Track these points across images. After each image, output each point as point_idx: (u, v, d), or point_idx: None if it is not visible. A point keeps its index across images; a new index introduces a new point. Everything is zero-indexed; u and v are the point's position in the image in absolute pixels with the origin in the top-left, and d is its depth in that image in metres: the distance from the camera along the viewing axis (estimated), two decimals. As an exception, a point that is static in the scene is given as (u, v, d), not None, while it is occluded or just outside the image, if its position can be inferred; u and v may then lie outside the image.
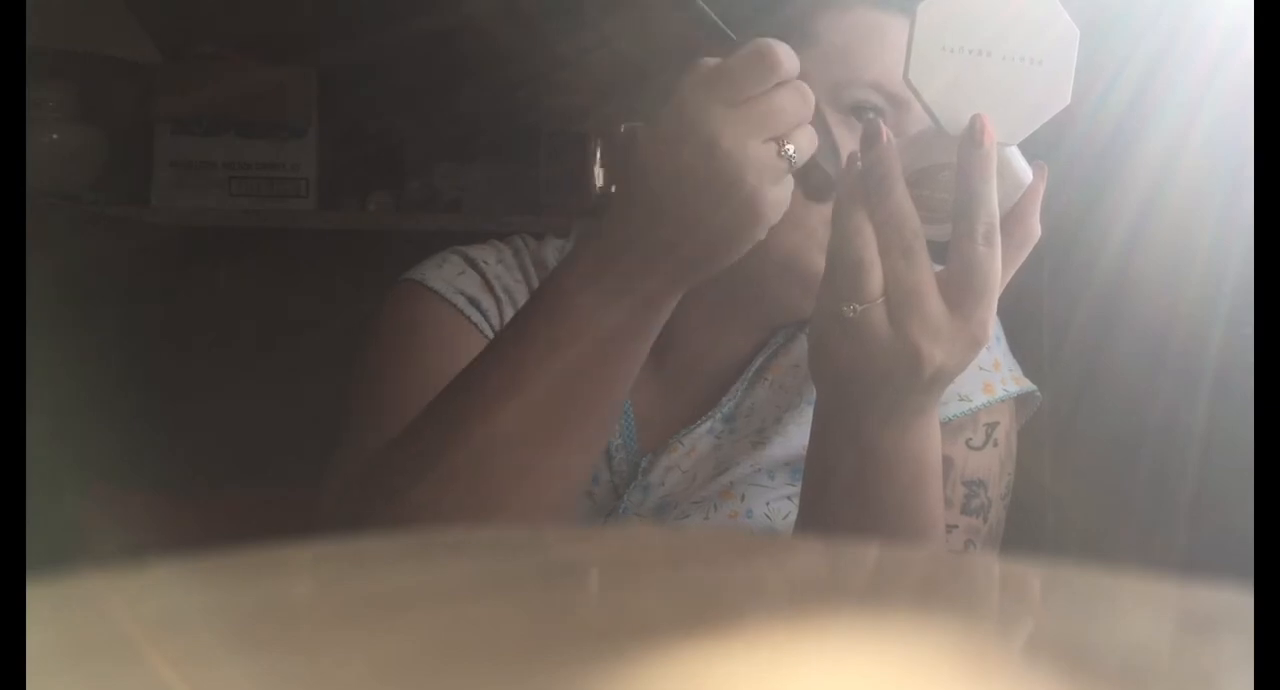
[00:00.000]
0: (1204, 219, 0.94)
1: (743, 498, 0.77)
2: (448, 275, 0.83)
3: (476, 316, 0.81)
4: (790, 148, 0.58)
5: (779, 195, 0.58)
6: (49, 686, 0.21)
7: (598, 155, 1.73)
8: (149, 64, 1.74)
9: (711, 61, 0.58)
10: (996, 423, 0.82)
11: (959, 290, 0.59)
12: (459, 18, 1.42)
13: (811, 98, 0.59)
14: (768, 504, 0.77)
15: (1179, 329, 0.97)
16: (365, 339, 0.82)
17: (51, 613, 0.25)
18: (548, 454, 0.64)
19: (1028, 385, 0.84)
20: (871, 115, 0.72)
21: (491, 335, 0.80)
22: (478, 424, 0.63)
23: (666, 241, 0.60)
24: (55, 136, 1.63)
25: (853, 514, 0.64)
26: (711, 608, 0.29)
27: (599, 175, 1.72)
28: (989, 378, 0.82)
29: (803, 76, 0.73)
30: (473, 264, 0.84)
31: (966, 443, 0.80)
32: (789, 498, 0.77)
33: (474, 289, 0.82)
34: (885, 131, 0.59)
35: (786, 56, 0.58)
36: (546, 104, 1.73)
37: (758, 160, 0.57)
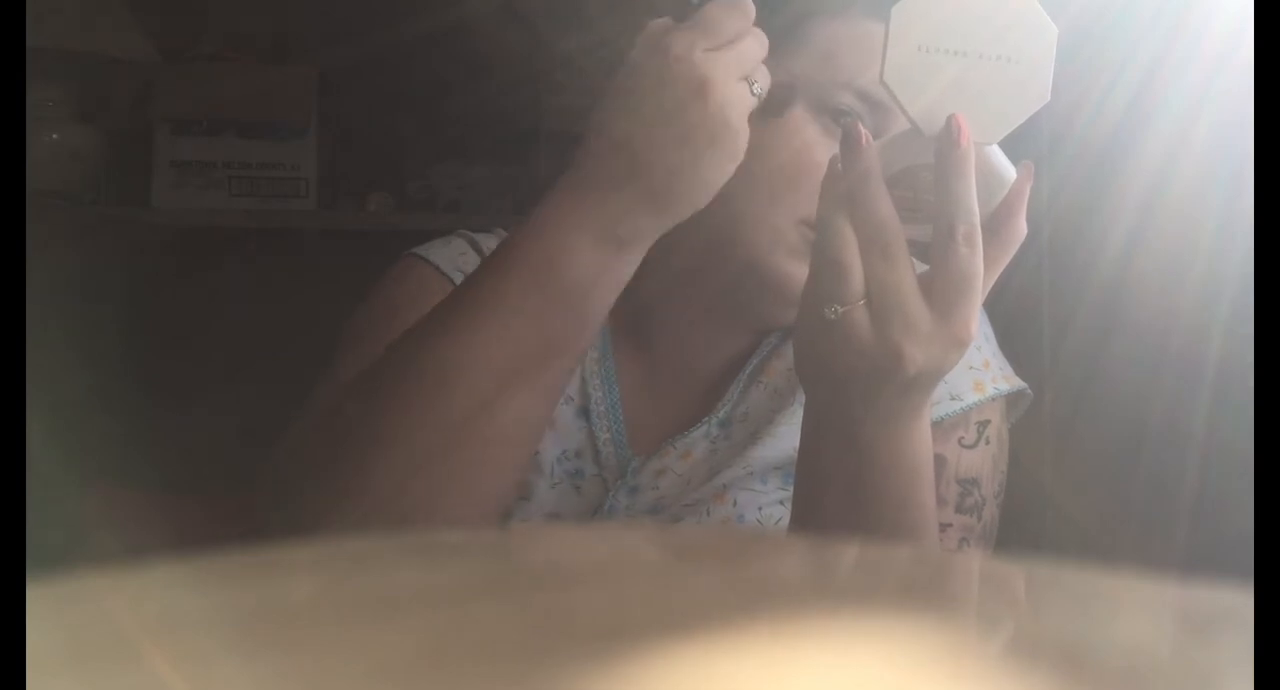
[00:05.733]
0: (1204, 219, 0.94)
1: (734, 503, 0.77)
2: (450, 253, 0.84)
3: None
4: (757, 86, 0.63)
5: (748, 130, 0.63)
6: (49, 686, 0.21)
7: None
8: (149, 64, 1.73)
9: (664, 21, 0.63)
10: (988, 421, 0.82)
11: (941, 291, 0.59)
12: (458, 18, 1.42)
13: (766, 39, 0.64)
14: (760, 509, 0.77)
15: (1179, 329, 0.97)
16: (360, 308, 0.83)
17: (51, 613, 0.25)
18: (506, 392, 0.64)
19: (1018, 383, 0.84)
20: (850, 118, 0.72)
21: None
22: (435, 356, 0.64)
23: (649, 183, 0.62)
24: (55, 136, 1.63)
25: (845, 514, 0.64)
26: (710, 608, 0.29)
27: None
28: (979, 377, 0.82)
29: (790, 78, 0.74)
30: (476, 247, 0.85)
31: (959, 441, 0.80)
32: (781, 502, 0.77)
33: (473, 269, 0.83)
34: (864, 133, 0.59)
35: (751, 4, 0.63)
36: (546, 104, 1.73)
37: (738, 98, 0.62)
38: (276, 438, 0.77)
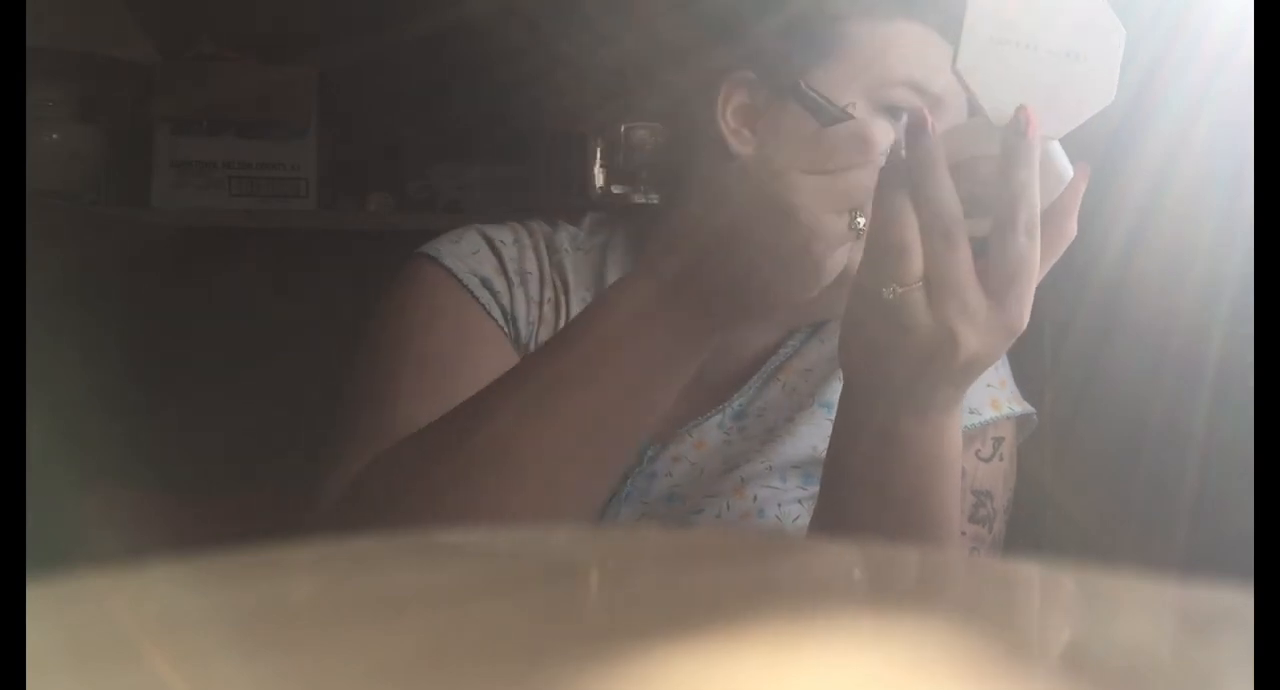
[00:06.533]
0: (1204, 219, 0.94)
1: (755, 498, 0.77)
2: (462, 252, 0.83)
3: (486, 298, 0.81)
4: (861, 220, 0.60)
5: (839, 260, 0.60)
6: (49, 686, 0.21)
7: (598, 155, 1.73)
8: (149, 64, 1.73)
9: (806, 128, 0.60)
10: (1002, 438, 0.83)
11: (998, 278, 0.59)
12: (459, 18, 1.41)
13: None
14: (779, 506, 0.78)
15: (1179, 329, 0.97)
16: (374, 315, 0.82)
17: (51, 613, 0.25)
18: (563, 474, 0.64)
19: (1027, 407, 0.85)
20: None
21: (501, 319, 0.81)
22: (495, 436, 0.64)
23: (722, 287, 0.61)
24: (55, 136, 1.63)
25: (871, 505, 0.64)
26: (714, 608, 0.29)
27: (599, 175, 1.72)
28: (996, 395, 0.83)
29: (840, 77, 0.74)
30: (490, 243, 0.85)
31: (976, 454, 0.81)
32: (800, 501, 0.78)
33: (488, 270, 0.83)
34: (930, 119, 0.59)
35: (883, 138, 0.60)
36: (546, 104, 1.73)
37: (828, 231, 0.59)
38: (274, 439, 0.77)
